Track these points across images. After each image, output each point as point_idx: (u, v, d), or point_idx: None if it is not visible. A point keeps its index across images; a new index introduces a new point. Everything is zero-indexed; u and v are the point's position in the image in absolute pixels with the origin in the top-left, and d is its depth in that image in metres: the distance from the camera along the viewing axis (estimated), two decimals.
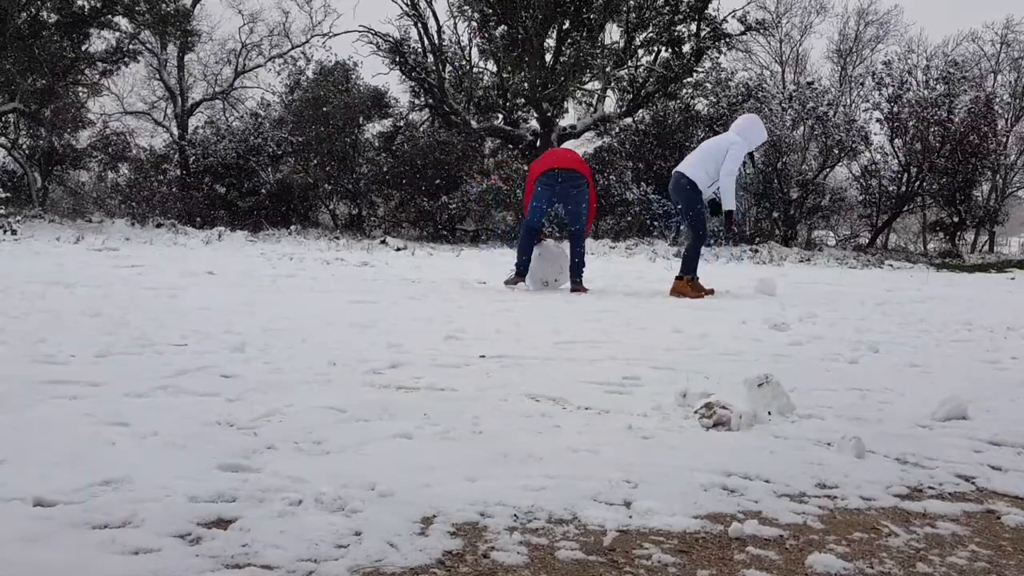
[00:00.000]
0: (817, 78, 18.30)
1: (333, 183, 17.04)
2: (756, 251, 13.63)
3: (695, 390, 2.44)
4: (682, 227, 6.45)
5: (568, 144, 17.62)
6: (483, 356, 3.15)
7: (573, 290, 6.18)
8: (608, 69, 16.67)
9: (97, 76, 16.26)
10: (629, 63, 17.16)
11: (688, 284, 6.06)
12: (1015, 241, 23.21)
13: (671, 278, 6.40)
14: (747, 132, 6.22)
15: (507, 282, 6.22)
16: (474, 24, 17.30)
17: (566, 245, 6.42)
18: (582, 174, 6.26)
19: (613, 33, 17.74)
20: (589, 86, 17.76)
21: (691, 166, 6.19)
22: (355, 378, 2.67)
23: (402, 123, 17.38)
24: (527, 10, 16.04)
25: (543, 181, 6.23)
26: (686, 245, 6.30)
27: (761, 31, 18.55)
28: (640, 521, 1.54)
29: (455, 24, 17.75)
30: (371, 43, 17.28)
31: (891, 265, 13.44)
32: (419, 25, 16.96)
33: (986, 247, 19.10)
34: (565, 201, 6.28)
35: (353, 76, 17.35)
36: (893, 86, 15.78)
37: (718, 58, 17.45)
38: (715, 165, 6.12)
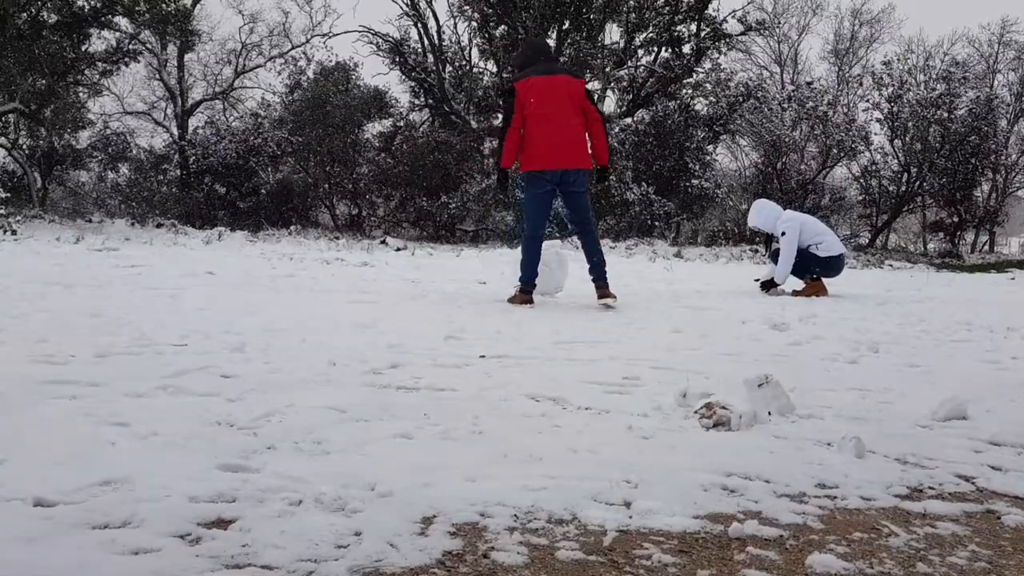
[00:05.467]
0: (816, 78, 18.33)
1: (333, 183, 17.04)
2: (756, 251, 13.64)
3: (695, 390, 2.44)
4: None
5: None
6: (483, 356, 3.15)
7: (603, 298, 5.01)
8: (608, 69, 16.67)
9: (97, 76, 16.26)
10: (629, 63, 17.16)
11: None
12: (1015, 241, 23.24)
13: (671, 278, 6.43)
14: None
15: (512, 300, 5.10)
16: (474, 24, 17.31)
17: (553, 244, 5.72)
18: (586, 169, 5.10)
19: (613, 33, 17.75)
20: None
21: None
22: (355, 378, 2.67)
23: (402, 123, 17.38)
24: (527, 10, 16.04)
25: (544, 183, 4.98)
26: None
27: (761, 31, 18.57)
28: (640, 521, 1.54)
29: (455, 24, 17.76)
30: (371, 43, 17.30)
31: (891, 265, 13.44)
32: (419, 25, 16.98)
33: (986, 247, 19.12)
34: (572, 206, 5.15)
35: (353, 76, 17.36)
36: (893, 86, 15.78)
37: (718, 58, 17.47)
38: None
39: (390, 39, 17.22)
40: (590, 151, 5.12)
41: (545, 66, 5.10)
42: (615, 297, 5.04)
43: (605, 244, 13.76)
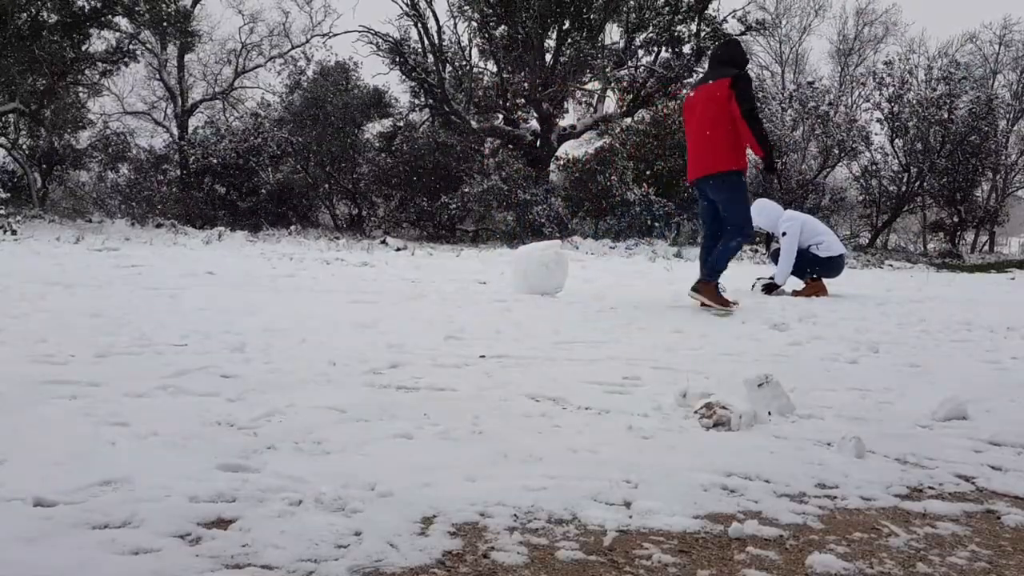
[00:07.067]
0: (818, 78, 18.32)
1: (333, 183, 17.04)
2: (756, 251, 13.64)
3: (695, 390, 2.44)
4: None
5: (567, 145, 17.60)
6: (483, 356, 3.15)
7: (691, 294, 5.02)
8: (608, 69, 16.67)
9: (97, 76, 16.26)
10: (629, 63, 17.16)
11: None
12: (1015, 241, 23.25)
13: (671, 278, 6.46)
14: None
15: (703, 296, 4.99)
16: (474, 24, 17.30)
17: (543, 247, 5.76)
18: (716, 173, 4.91)
19: (613, 33, 17.75)
20: (589, 86, 17.77)
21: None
22: (355, 378, 2.67)
23: (402, 123, 17.38)
24: (527, 10, 16.03)
25: (698, 194, 5.19)
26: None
27: (761, 31, 18.56)
28: (640, 521, 1.54)
29: (455, 24, 17.82)
30: (371, 43, 17.28)
31: (891, 265, 13.44)
32: (419, 25, 16.96)
33: (986, 247, 19.13)
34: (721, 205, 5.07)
35: (353, 76, 17.36)
36: (894, 86, 15.78)
37: None
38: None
39: (390, 39, 17.22)
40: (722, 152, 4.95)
41: (706, 74, 5.19)
42: (702, 304, 4.98)
43: (605, 244, 13.78)
